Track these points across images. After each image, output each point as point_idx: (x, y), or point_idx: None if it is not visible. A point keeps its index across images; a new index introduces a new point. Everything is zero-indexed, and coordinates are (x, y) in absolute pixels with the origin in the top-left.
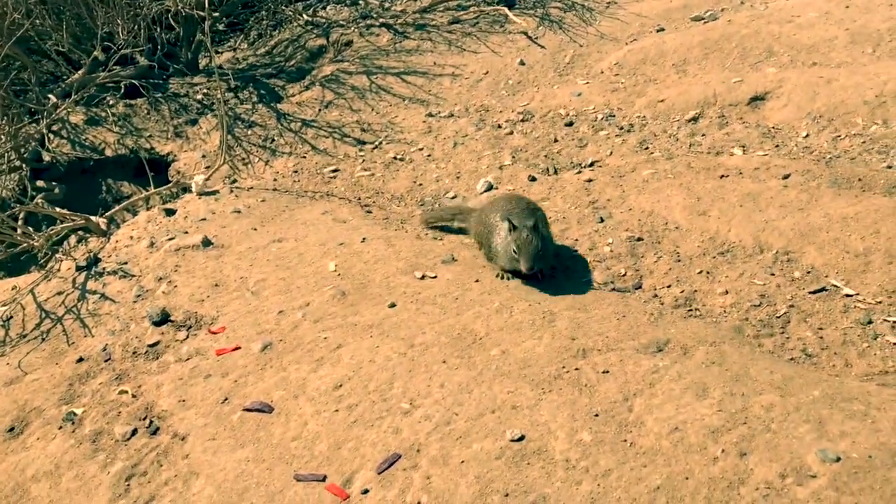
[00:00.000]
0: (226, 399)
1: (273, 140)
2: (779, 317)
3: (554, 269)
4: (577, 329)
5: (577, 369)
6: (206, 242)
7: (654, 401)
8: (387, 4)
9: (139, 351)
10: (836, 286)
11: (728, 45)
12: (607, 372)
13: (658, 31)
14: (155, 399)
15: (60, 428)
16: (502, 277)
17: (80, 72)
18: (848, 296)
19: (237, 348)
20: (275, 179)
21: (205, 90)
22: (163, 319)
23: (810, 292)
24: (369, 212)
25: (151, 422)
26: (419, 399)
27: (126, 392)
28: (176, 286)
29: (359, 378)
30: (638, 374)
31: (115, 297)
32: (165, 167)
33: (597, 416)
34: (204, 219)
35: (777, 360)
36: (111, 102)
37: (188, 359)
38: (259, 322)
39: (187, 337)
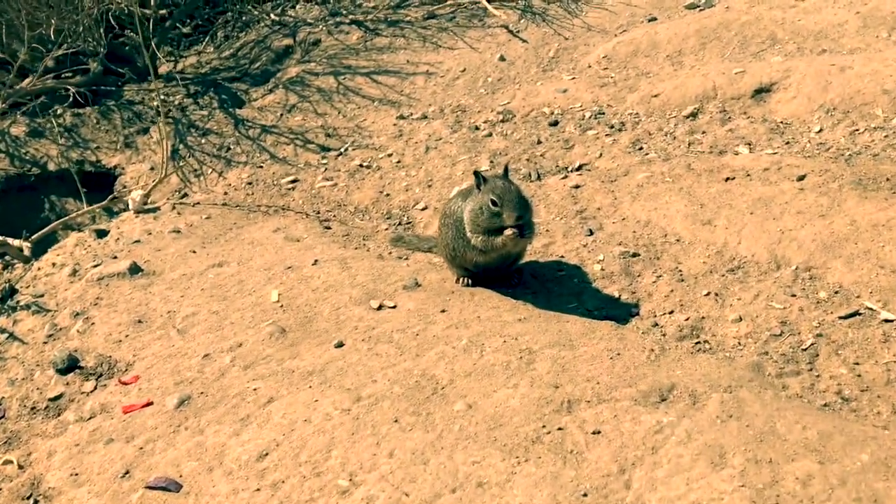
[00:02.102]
0: (126, 472)
1: (229, 149)
2: (805, 349)
3: (521, 273)
4: (561, 373)
5: (560, 429)
6: (135, 269)
7: (657, 472)
8: (359, 1)
9: (38, 406)
10: (871, 309)
11: (727, 33)
12: (598, 432)
13: (650, 20)
14: (44, 472)
15: None
16: (462, 281)
17: (27, 80)
18: (887, 321)
19: (149, 404)
20: (225, 193)
21: (162, 97)
22: (70, 366)
23: (840, 317)
24: (328, 227)
25: (36, 502)
26: (361, 473)
27: (11, 462)
28: (93, 323)
29: (289, 444)
30: (637, 435)
31: (24, 337)
32: (113, 181)
33: (585, 495)
34: (138, 241)
35: (808, 407)
36: (59, 112)
37: (91, 417)
38: (179, 369)
39: (95, 388)
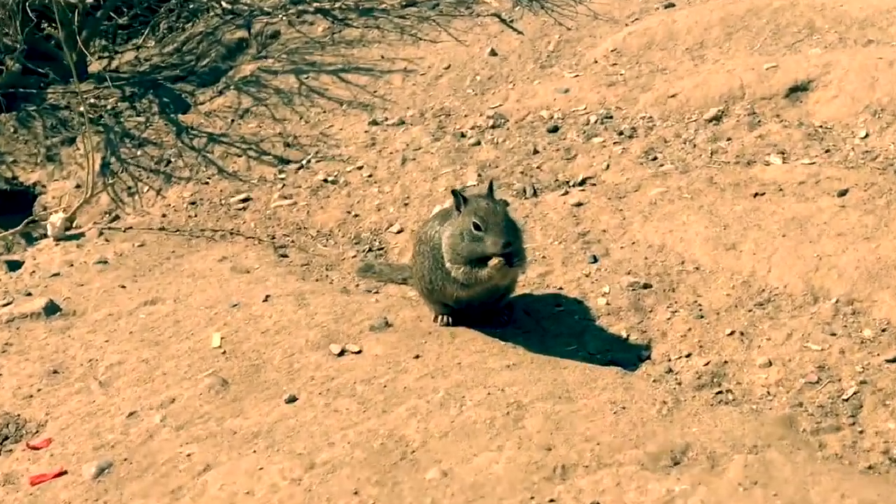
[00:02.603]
0: None
1: (169, 162)
2: (846, 399)
3: (511, 309)
4: (555, 432)
5: (552, 501)
6: (52, 309)
7: None
8: None
9: None
10: None
11: (757, 21)
12: None
13: (666, 6)
14: None
15: None
16: (441, 319)
17: None
18: None
19: (62, 473)
20: (164, 215)
21: (91, 100)
22: None
23: (888, 360)
24: (284, 255)
25: None
26: None
27: None
28: (0, 375)
29: None
30: None
31: None
32: (32, 201)
33: None
34: (57, 274)
35: (848, 471)
36: None
37: None
38: (100, 430)
39: None
